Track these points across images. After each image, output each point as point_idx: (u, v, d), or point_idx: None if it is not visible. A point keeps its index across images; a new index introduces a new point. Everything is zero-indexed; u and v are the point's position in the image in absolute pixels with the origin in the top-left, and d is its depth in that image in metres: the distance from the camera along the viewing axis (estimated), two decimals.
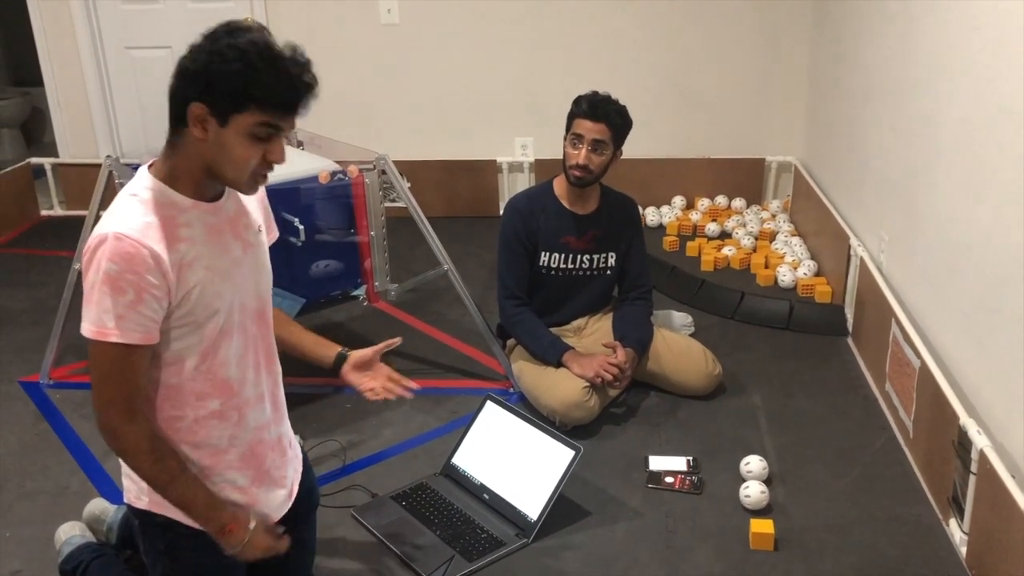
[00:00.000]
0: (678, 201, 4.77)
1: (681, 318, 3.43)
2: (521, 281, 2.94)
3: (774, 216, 4.61)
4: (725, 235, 4.45)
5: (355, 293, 3.05)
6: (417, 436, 2.81)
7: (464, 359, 3.29)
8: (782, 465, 2.60)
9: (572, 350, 2.85)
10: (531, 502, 2.33)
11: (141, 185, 1.56)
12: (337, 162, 2.92)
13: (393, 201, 3.06)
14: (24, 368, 3.26)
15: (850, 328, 3.39)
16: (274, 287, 1.81)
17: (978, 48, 2.41)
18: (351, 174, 2.86)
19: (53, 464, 2.68)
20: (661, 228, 4.56)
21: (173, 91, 1.49)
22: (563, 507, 2.37)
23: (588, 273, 2.99)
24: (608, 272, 3.01)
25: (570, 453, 2.34)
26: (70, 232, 3.72)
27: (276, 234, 1.89)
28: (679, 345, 3.00)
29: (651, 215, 4.63)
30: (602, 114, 2.77)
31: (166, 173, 1.57)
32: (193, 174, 1.55)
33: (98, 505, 2.31)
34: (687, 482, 2.52)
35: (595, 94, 2.83)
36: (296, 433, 1.96)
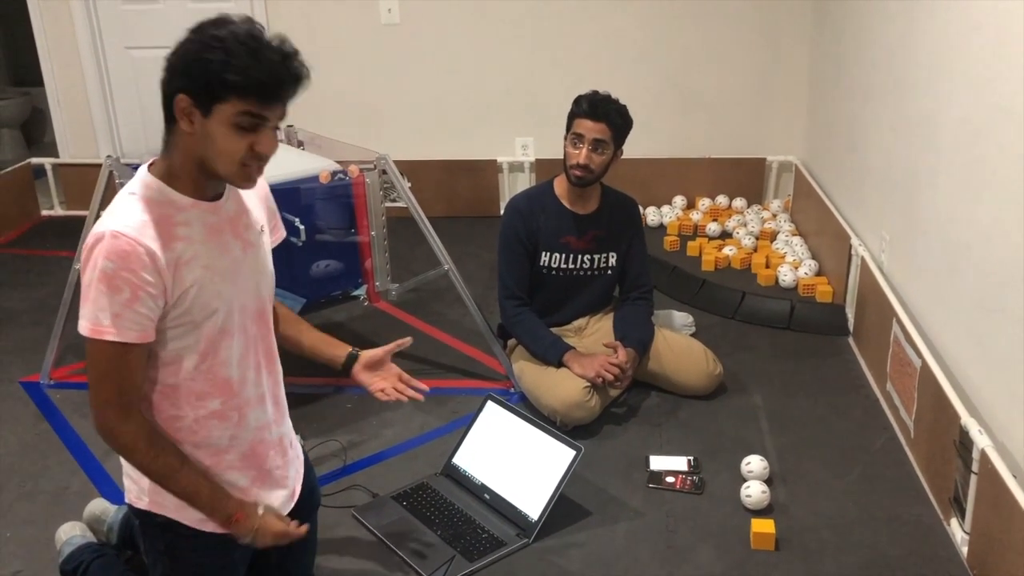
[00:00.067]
0: (679, 201, 4.77)
1: (682, 318, 3.43)
2: (522, 281, 2.94)
3: (775, 216, 4.60)
4: (726, 235, 4.45)
5: (356, 293, 3.05)
6: (418, 436, 2.80)
7: (465, 359, 3.29)
8: (783, 465, 2.59)
9: (573, 350, 2.85)
10: (532, 502, 2.33)
11: (140, 184, 1.56)
12: (338, 162, 2.92)
13: (394, 201, 3.06)
14: (24, 368, 3.27)
15: (851, 328, 3.39)
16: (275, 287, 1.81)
17: (978, 48, 2.41)
18: (352, 174, 2.86)
19: (53, 464, 2.68)
20: (662, 228, 4.56)
21: (163, 86, 1.50)
22: (564, 507, 2.37)
23: (589, 273, 2.99)
24: (609, 272, 3.01)
25: (571, 453, 2.34)
26: (70, 232, 3.73)
27: (283, 233, 1.89)
28: (680, 345, 3.00)
29: (652, 215, 4.63)
30: (603, 113, 2.77)
31: (165, 172, 1.57)
32: (189, 171, 1.55)
33: (99, 505, 2.30)
34: (688, 482, 2.52)
35: (595, 94, 2.82)
36: (297, 433, 1.96)
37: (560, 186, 2.94)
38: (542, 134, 4.74)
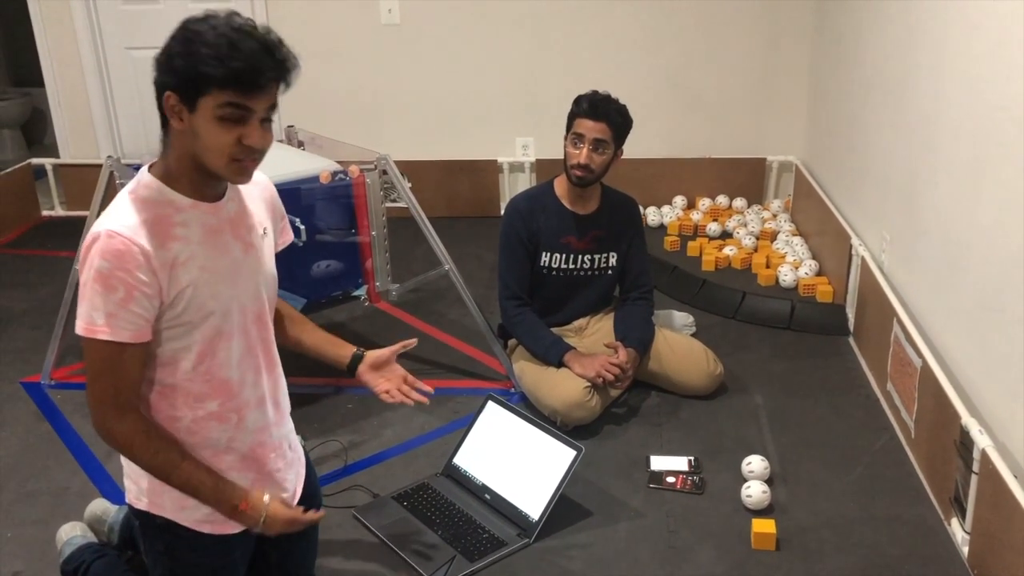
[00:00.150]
0: (679, 201, 4.77)
1: (682, 318, 3.43)
2: (522, 281, 2.94)
3: (775, 216, 4.60)
4: (726, 235, 4.45)
5: (356, 293, 3.05)
6: (418, 436, 2.80)
7: (465, 359, 3.29)
8: (784, 465, 2.59)
9: (573, 350, 2.85)
10: (532, 502, 2.33)
11: (139, 184, 1.57)
12: (338, 162, 2.92)
13: (394, 201, 3.06)
14: (25, 368, 3.27)
15: (851, 328, 3.39)
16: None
17: (978, 48, 2.41)
18: (352, 174, 2.86)
19: (54, 464, 2.68)
20: (662, 228, 4.56)
21: (154, 87, 1.50)
22: (564, 507, 2.37)
23: (589, 273, 2.99)
24: (609, 272, 3.01)
25: (571, 453, 2.34)
26: (71, 232, 3.72)
27: (290, 237, 1.89)
28: (680, 345, 3.00)
29: (652, 215, 4.63)
30: (603, 113, 2.77)
31: (164, 172, 1.57)
32: (186, 171, 1.55)
33: (99, 505, 2.30)
34: (688, 482, 2.52)
35: (595, 93, 2.82)
36: (298, 434, 1.96)
37: (560, 186, 2.94)
38: (542, 134, 4.74)
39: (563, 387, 2.74)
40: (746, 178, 4.78)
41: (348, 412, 2.94)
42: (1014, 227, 2.14)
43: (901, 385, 2.71)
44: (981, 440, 2.09)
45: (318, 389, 3.06)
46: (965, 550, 2.20)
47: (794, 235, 4.29)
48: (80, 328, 1.51)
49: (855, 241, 3.37)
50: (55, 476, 2.63)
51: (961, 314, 2.47)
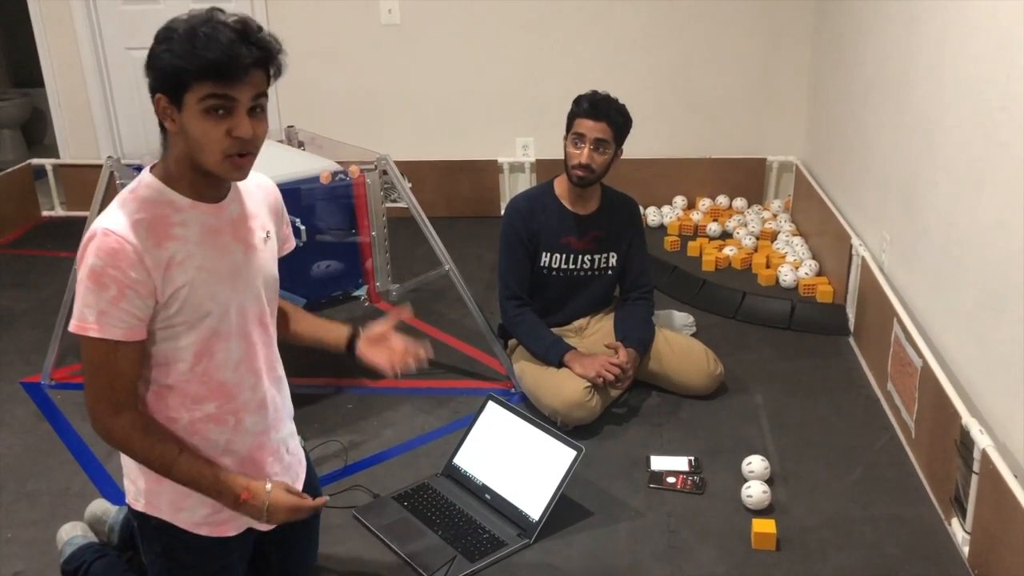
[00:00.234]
0: (679, 201, 4.77)
1: (682, 318, 3.43)
2: (522, 281, 2.94)
3: (775, 216, 4.60)
4: (726, 235, 4.45)
5: (356, 293, 3.05)
6: (418, 436, 2.80)
7: (465, 359, 3.29)
8: (784, 465, 2.59)
9: (573, 350, 2.85)
10: (533, 502, 2.33)
11: (140, 184, 1.57)
12: (338, 162, 2.92)
13: (394, 201, 3.06)
14: (25, 369, 3.27)
15: (852, 328, 3.39)
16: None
17: (978, 48, 2.41)
18: (352, 174, 2.86)
19: (54, 465, 2.68)
20: (662, 228, 4.56)
21: (149, 91, 1.51)
22: (565, 507, 2.37)
23: (589, 273, 2.99)
24: (609, 272, 3.01)
25: (572, 453, 2.34)
26: (71, 233, 3.72)
27: (292, 244, 1.88)
28: (681, 345, 3.00)
29: (652, 215, 4.63)
30: (603, 113, 2.77)
31: (164, 173, 1.57)
32: (185, 172, 1.55)
33: (100, 506, 2.30)
34: (689, 482, 2.52)
35: (595, 93, 2.83)
36: (298, 434, 1.96)
37: (560, 186, 2.95)
38: (542, 134, 4.74)
39: (563, 387, 2.74)
40: (746, 178, 4.77)
41: (348, 412, 2.94)
42: (1014, 227, 2.14)
43: (901, 385, 2.71)
44: (981, 440, 2.09)
45: (318, 389, 3.06)
46: (965, 550, 2.20)
47: (794, 235, 4.29)
48: (72, 325, 1.52)
49: (855, 241, 3.37)
50: (55, 476, 2.63)
51: (961, 314, 2.47)
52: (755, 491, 2.39)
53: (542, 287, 2.97)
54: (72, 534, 2.21)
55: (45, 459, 2.72)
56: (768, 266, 3.99)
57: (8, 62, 6.57)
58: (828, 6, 4.21)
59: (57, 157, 5.11)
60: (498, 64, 4.72)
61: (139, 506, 1.71)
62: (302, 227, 2.72)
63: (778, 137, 4.74)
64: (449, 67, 4.74)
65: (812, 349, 3.31)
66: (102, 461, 2.68)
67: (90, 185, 3.08)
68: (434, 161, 4.79)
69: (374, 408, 2.95)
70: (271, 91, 1.53)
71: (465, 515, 2.37)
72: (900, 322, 2.74)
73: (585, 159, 2.78)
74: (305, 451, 1.96)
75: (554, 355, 2.84)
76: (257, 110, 1.51)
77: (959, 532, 2.24)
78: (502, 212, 3.86)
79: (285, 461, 1.82)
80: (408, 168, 3.39)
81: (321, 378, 3.14)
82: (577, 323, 3.04)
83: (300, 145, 3.45)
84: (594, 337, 3.00)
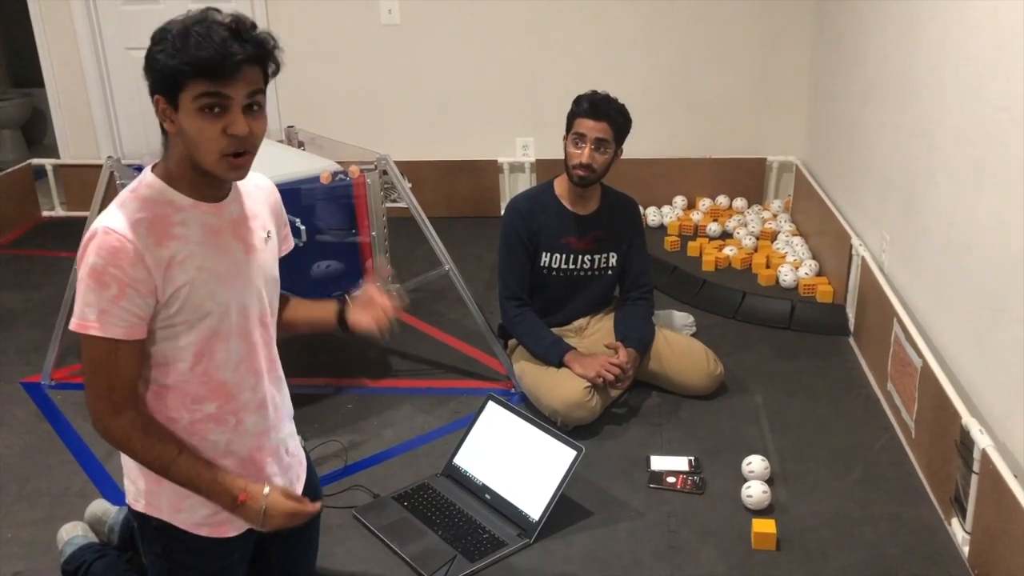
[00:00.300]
0: (679, 201, 4.77)
1: (682, 318, 3.43)
2: (522, 281, 2.94)
3: (775, 216, 4.60)
4: (726, 235, 4.45)
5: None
6: (419, 436, 2.81)
7: (465, 359, 3.29)
8: (784, 465, 2.60)
9: (573, 350, 2.85)
10: (533, 502, 2.33)
11: (141, 183, 1.57)
12: (338, 162, 2.92)
13: (394, 201, 3.06)
14: (26, 369, 3.27)
15: (852, 328, 3.39)
16: None
17: (978, 48, 2.41)
18: (352, 174, 2.86)
19: (54, 465, 2.68)
20: (662, 228, 4.56)
21: (149, 93, 1.51)
22: (565, 507, 2.37)
23: (589, 273, 2.99)
24: (609, 272, 3.01)
25: (572, 453, 2.34)
26: (71, 233, 3.72)
27: (291, 244, 1.88)
28: (681, 345, 3.00)
29: (652, 215, 4.63)
30: (604, 113, 2.78)
31: (165, 173, 1.57)
32: (185, 172, 1.55)
33: (100, 506, 2.30)
34: (689, 482, 2.52)
35: (595, 93, 2.83)
36: (298, 434, 1.96)
37: (560, 186, 2.95)
38: (542, 134, 4.74)
39: (563, 387, 2.74)
40: (746, 178, 4.78)
41: (348, 412, 2.94)
42: (1014, 227, 2.14)
43: (901, 385, 2.71)
44: (981, 440, 2.09)
45: (318, 389, 3.06)
46: (965, 550, 2.20)
47: (794, 235, 4.29)
48: (73, 324, 1.52)
49: (855, 241, 3.37)
50: (55, 476, 2.63)
51: (961, 314, 2.47)
52: (755, 491, 2.39)
53: (542, 287, 2.97)
54: (72, 534, 2.21)
55: (45, 459, 2.72)
56: (768, 266, 4.00)
57: (8, 62, 6.57)
58: (828, 6, 4.21)
59: (57, 157, 5.11)
60: (498, 64, 4.72)
61: (139, 507, 1.71)
62: (302, 227, 2.72)
63: (778, 137, 4.74)
64: (449, 67, 4.74)
65: (812, 349, 3.31)
66: (102, 461, 2.68)
67: (90, 185, 3.08)
68: (434, 161, 4.79)
69: (374, 408, 2.95)
70: (271, 91, 1.53)
71: (465, 515, 2.37)
72: (900, 322, 2.74)
73: (586, 159, 2.79)
74: (305, 451, 1.96)
75: (554, 355, 2.84)
76: (254, 107, 1.51)
77: (959, 532, 2.24)
78: (502, 212, 3.86)
79: (285, 462, 1.82)
80: (408, 168, 3.39)
81: (321, 378, 3.14)
82: (577, 323, 3.04)
83: (300, 145, 3.45)
84: (594, 337, 3.00)
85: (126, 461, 1.70)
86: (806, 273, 3.86)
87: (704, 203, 4.73)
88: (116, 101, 4.98)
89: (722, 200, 4.76)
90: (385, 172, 2.95)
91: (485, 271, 3.99)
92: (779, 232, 4.37)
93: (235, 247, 1.64)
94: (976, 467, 2.10)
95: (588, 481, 2.52)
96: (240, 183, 1.65)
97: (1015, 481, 1.96)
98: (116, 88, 4.95)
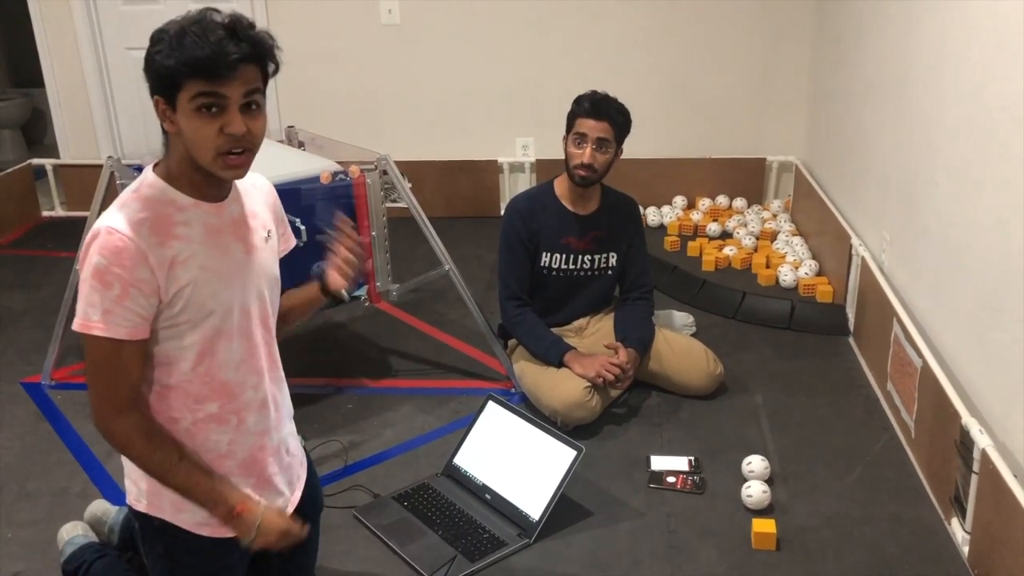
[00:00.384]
0: (679, 201, 4.77)
1: (682, 318, 3.43)
2: (522, 281, 2.94)
3: (775, 216, 4.60)
4: (726, 235, 4.45)
5: (356, 293, 3.04)
6: (419, 436, 2.81)
7: (465, 359, 3.29)
8: (784, 465, 2.60)
9: (573, 350, 2.85)
10: (533, 502, 2.34)
11: (143, 183, 1.57)
12: (339, 162, 2.92)
13: (394, 201, 3.06)
14: (26, 369, 3.27)
15: (852, 328, 3.39)
16: None
17: (978, 48, 2.41)
18: (352, 174, 2.86)
19: (54, 465, 2.69)
20: (662, 228, 4.56)
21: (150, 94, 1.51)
22: (565, 507, 2.37)
23: (589, 273, 2.99)
24: (609, 272, 3.02)
25: (572, 453, 2.34)
26: (71, 233, 3.73)
27: (292, 243, 1.88)
28: (680, 345, 3.00)
29: (652, 215, 4.63)
30: (605, 112, 2.78)
31: (166, 172, 1.57)
32: (185, 171, 1.55)
33: (100, 506, 2.30)
34: (689, 482, 2.52)
35: (595, 93, 2.83)
36: (299, 434, 1.96)
37: (560, 187, 2.95)
38: (542, 134, 4.74)
39: (563, 387, 2.74)
40: (746, 178, 4.78)
41: (348, 412, 2.94)
42: (1014, 227, 2.14)
43: (901, 385, 2.71)
44: (981, 440, 2.09)
45: (318, 389, 3.06)
46: (965, 550, 2.20)
47: (794, 235, 4.29)
48: (76, 324, 1.52)
49: (855, 241, 3.37)
50: (55, 476, 2.63)
51: (961, 314, 2.47)
52: (755, 491, 2.39)
53: (542, 287, 2.97)
54: (73, 534, 2.21)
55: (45, 459, 2.72)
56: (768, 266, 4.00)
57: (8, 62, 6.57)
58: (828, 6, 4.22)
59: (57, 157, 5.11)
60: (498, 64, 4.72)
61: (141, 507, 1.70)
62: (302, 227, 2.71)
63: (778, 137, 4.74)
64: (449, 67, 4.74)
65: (812, 349, 3.31)
66: (102, 461, 2.68)
67: (90, 185, 3.08)
68: (434, 161, 4.79)
69: (374, 408, 2.95)
70: (271, 91, 1.53)
71: (465, 515, 2.37)
72: (900, 322, 2.74)
73: (587, 159, 2.79)
74: (305, 451, 1.96)
75: (554, 355, 2.84)
76: (252, 107, 1.50)
77: (959, 532, 2.24)
78: (502, 212, 3.86)
79: (285, 461, 1.82)
80: (408, 168, 3.39)
81: (321, 378, 3.14)
82: (577, 323, 3.04)
83: (300, 145, 3.45)
84: (594, 337, 3.00)
85: (127, 461, 1.70)
86: (806, 273, 3.86)
87: (704, 203, 4.73)
88: (116, 101, 4.98)
89: (722, 200, 4.76)
90: (385, 172, 2.95)
91: (485, 271, 3.99)
92: (779, 232, 4.37)
93: (236, 247, 1.64)
94: (976, 467, 2.10)
95: (588, 481, 2.52)
96: (238, 182, 1.65)
97: (1015, 481, 1.96)
98: (116, 88, 4.95)
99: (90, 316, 1.50)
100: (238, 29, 1.46)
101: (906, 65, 3.01)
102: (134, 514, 1.73)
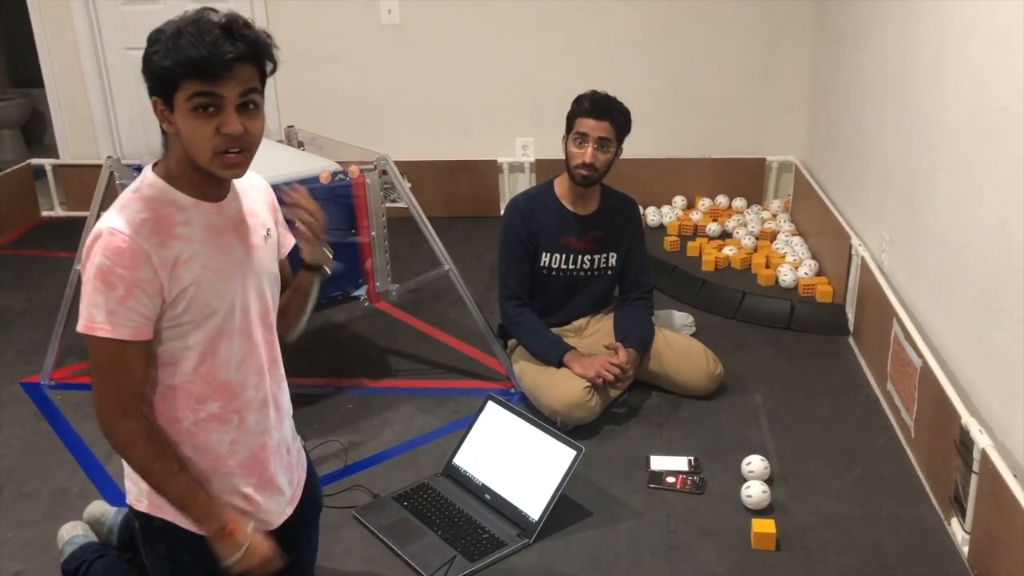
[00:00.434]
0: (679, 201, 4.77)
1: (682, 318, 3.43)
2: (522, 281, 2.94)
3: (775, 216, 4.60)
4: (726, 235, 4.45)
5: (356, 293, 3.04)
6: (418, 436, 2.81)
7: (465, 359, 3.29)
8: (783, 465, 2.60)
9: (573, 350, 2.85)
10: (532, 502, 2.33)
11: (143, 183, 1.57)
12: (338, 162, 2.92)
13: (394, 201, 3.06)
14: (25, 369, 3.27)
15: (851, 328, 3.39)
16: None
17: (978, 48, 2.41)
18: (352, 174, 2.86)
19: (54, 465, 2.68)
20: (662, 228, 4.56)
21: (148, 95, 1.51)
22: (564, 507, 2.37)
23: (589, 273, 2.99)
24: (609, 272, 3.02)
25: (571, 453, 2.34)
26: (71, 233, 3.72)
27: (292, 241, 1.87)
28: (680, 345, 3.00)
29: (652, 215, 4.63)
30: (606, 112, 2.78)
31: (166, 172, 1.57)
32: (185, 171, 1.55)
33: (98, 507, 2.30)
34: (689, 482, 2.52)
35: (595, 93, 2.83)
36: (299, 434, 1.96)
37: (560, 186, 2.95)
38: (542, 134, 4.74)
39: (563, 387, 2.74)
40: (746, 178, 4.78)
41: (348, 412, 2.94)
42: (1014, 227, 2.14)
43: (901, 385, 2.71)
44: (981, 440, 2.09)
45: (318, 389, 3.06)
46: (965, 550, 2.20)
47: (794, 235, 4.29)
48: (81, 325, 1.51)
49: (855, 241, 3.37)
50: (55, 477, 2.63)
51: (961, 314, 2.47)
52: (755, 491, 2.39)
53: (542, 287, 2.97)
54: (73, 533, 2.21)
55: (45, 459, 2.72)
56: (768, 266, 4.00)
57: (8, 62, 6.57)
58: (828, 6, 4.22)
59: (57, 157, 5.11)
60: (498, 64, 4.72)
61: (142, 507, 1.70)
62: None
63: (778, 137, 4.74)
64: (449, 67, 4.74)
65: (812, 349, 3.31)
66: (102, 461, 2.68)
67: (90, 185, 3.08)
68: (434, 161, 4.79)
69: (374, 408, 2.95)
70: (271, 91, 1.53)
71: (465, 515, 2.37)
72: (900, 322, 2.74)
73: (589, 158, 2.79)
74: (305, 450, 1.96)
75: (554, 355, 2.84)
76: (249, 106, 1.50)
77: (959, 532, 2.24)
78: (502, 212, 3.86)
79: (286, 460, 1.82)
80: (408, 168, 3.39)
81: (321, 378, 3.14)
82: (577, 323, 3.04)
83: (300, 145, 3.45)
84: (594, 337, 3.00)
85: None
86: (806, 273, 3.86)
87: (704, 203, 4.73)
88: (116, 101, 4.98)
89: (722, 200, 4.76)
90: (385, 172, 2.96)
91: (485, 271, 3.99)
92: (778, 232, 4.37)
93: (237, 246, 1.64)
94: (976, 467, 2.10)
95: (588, 481, 2.52)
96: (237, 182, 1.65)
97: (1014, 481, 1.96)
98: (116, 88, 4.95)
99: (94, 317, 1.50)
100: (234, 28, 1.46)
101: (906, 65, 3.01)
102: (135, 514, 1.73)
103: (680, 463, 2.61)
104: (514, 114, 4.79)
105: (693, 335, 3.33)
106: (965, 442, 2.17)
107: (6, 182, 4.80)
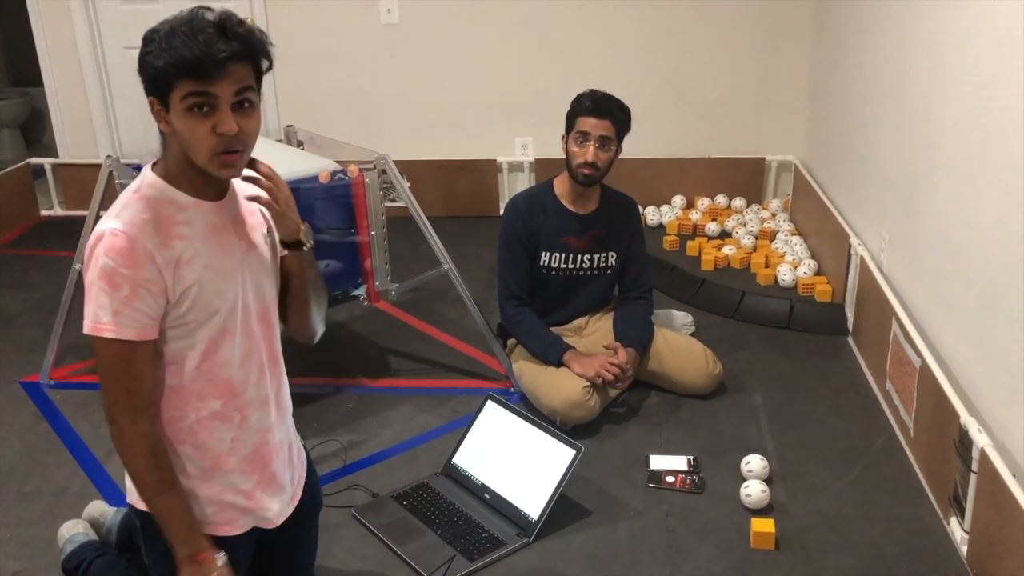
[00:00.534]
0: (678, 201, 4.77)
1: (682, 317, 3.43)
2: (521, 281, 2.94)
3: (774, 215, 4.61)
4: (725, 234, 4.45)
5: (355, 293, 3.04)
6: (418, 436, 2.81)
7: (465, 359, 3.29)
8: (783, 464, 2.60)
9: (573, 350, 2.85)
10: (532, 502, 2.34)
11: (143, 183, 1.57)
12: (337, 162, 2.92)
13: (393, 201, 3.06)
14: (25, 368, 3.26)
15: (851, 327, 3.39)
16: None
17: (978, 48, 2.41)
18: (351, 174, 2.86)
19: (53, 465, 2.68)
20: (661, 228, 4.56)
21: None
22: (564, 506, 2.37)
23: (588, 273, 2.99)
24: (608, 272, 3.02)
25: (571, 452, 2.34)
26: (70, 232, 3.73)
27: None
28: (680, 344, 3.00)
29: (651, 215, 4.63)
30: (606, 111, 2.78)
31: (165, 172, 1.57)
32: (183, 171, 1.55)
33: (97, 507, 2.30)
34: (688, 481, 2.52)
35: (595, 92, 2.83)
36: (298, 434, 1.96)
37: (560, 186, 2.95)
38: (542, 134, 4.74)
39: (563, 386, 2.75)
40: (745, 178, 4.78)
41: (348, 412, 2.94)
42: (1014, 227, 2.14)
43: (900, 384, 2.72)
44: (980, 439, 2.10)
45: (318, 389, 3.06)
46: (964, 549, 2.20)
47: (793, 235, 4.29)
48: (87, 327, 1.51)
49: (854, 240, 3.37)
50: (54, 476, 2.63)
51: (960, 314, 2.47)
52: (754, 490, 2.39)
53: (542, 287, 2.97)
54: (73, 531, 2.21)
55: (44, 459, 2.72)
56: (767, 265, 4.00)
57: (7, 62, 6.57)
58: (828, 6, 4.22)
59: (56, 157, 5.11)
60: (497, 64, 4.72)
61: (142, 505, 1.70)
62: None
63: (777, 137, 4.75)
64: (449, 67, 4.74)
65: (811, 349, 3.31)
66: (101, 461, 2.68)
67: (89, 185, 3.08)
68: (433, 161, 4.79)
69: (373, 408, 2.95)
70: (270, 91, 1.53)
71: (464, 514, 2.37)
72: (899, 321, 2.74)
73: (591, 157, 2.79)
74: (305, 450, 1.96)
75: (553, 354, 2.84)
76: (245, 105, 1.50)
77: (958, 531, 2.24)
78: (501, 212, 3.86)
79: (287, 458, 1.83)
80: (407, 168, 3.38)
81: (321, 378, 3.14)
82: (576, 322, 3.04)
83: (299, 144, 3.45)
84: (593, 336, 3.00)
85: None
86: (805, 272, 3.86)
87: (703, 202, 4.73)
88: (115, 100, 4.98)
89: (721, 199, 4.76)
90: (384, 171, 2.95)
91: (484, 271, 3.99)
92: (778, 231, 4.37)
93: (237, 245, 1.64)
94: (975, 466, 2.10)
95: (587, 480, 2.52)
96: (234, 181, 1.65)
97: (1014, 480, 1.96)
98: (115, 87, 4.95)
99: (100, 318, 1.50)
100: (228, 27, 1.46)
101: (906, 65, 3.01)
102: (135, 513, 1.73)
103: (679, 462, 2.61)
104: (513, 114, 4.79)
105: (692, 335, 3.33)
106: (964, 442, 2.17)
107: (5, 181, 4.80)
